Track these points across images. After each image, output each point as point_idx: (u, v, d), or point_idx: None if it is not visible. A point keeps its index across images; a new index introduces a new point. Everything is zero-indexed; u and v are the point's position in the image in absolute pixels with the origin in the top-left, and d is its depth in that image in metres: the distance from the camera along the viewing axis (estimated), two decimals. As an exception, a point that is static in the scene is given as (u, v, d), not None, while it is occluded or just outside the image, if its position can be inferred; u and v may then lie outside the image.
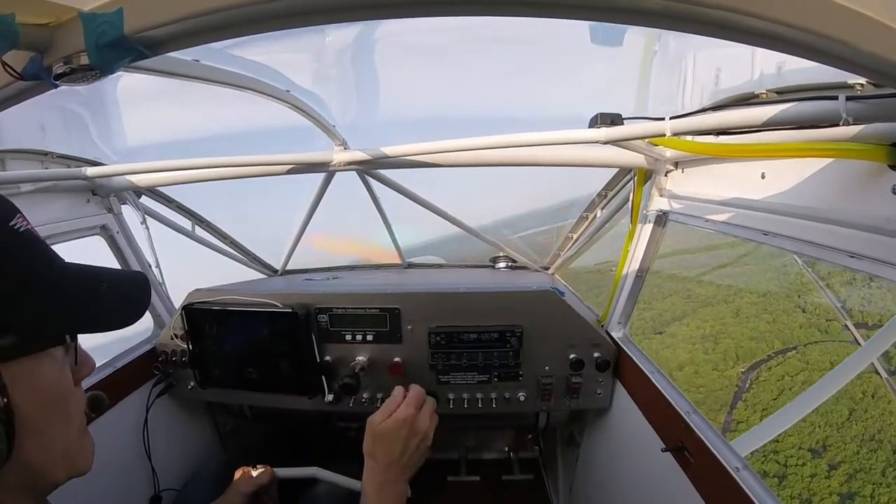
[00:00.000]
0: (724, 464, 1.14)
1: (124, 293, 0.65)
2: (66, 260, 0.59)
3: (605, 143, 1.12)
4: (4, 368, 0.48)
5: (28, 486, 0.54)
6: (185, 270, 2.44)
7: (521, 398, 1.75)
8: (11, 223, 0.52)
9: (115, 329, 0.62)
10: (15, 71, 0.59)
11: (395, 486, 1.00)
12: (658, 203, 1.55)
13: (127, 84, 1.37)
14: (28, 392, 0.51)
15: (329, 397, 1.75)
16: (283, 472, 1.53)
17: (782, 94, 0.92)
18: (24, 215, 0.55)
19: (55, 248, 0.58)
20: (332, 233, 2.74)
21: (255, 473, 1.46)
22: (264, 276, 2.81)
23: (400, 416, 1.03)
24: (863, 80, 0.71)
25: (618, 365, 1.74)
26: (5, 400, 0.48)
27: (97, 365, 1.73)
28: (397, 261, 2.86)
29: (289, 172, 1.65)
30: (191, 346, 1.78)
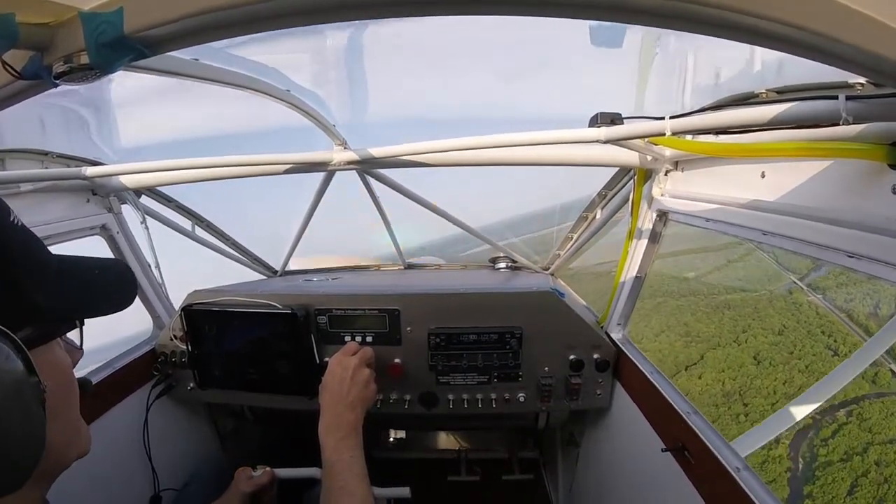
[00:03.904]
0: (725, 464, 1.14)
1: (114, 277, 0.70)
2: None
3: (605, 142, 1.12)
4: (32, 356, 0.51)
5: (44, 470, 0.55)
6: (185, 271, 2.43)
7: (521, 399, 1.75)
8: (11, 219, 0.54)
9: (116, 311, 0.66)
10: (15, 70, 0.59)
11: (344, 418, 1.22)
12: (658, 203, 1.55)
13: (127, 83, 1.37)
14: (49, 376, 0.54)
15: None
16: (284, 472, 1.53)
17: (782, 94, 0.92)
18: (15, 212, 0.57)
19: (55, 247, 0.60)
20: (333, 232, 2.73)
21: (255, 474, 1.46)
22: (264, 277, 2.81)
23: (334, 360, 1.35)
24: (863, 80, 0.71)
25: (617, 366, 1.74)
26: (44, 385, 0.51)
27: (97, 366, 1.74)
28: (396, 263, 2.86)
29: (288, 172, 1.65)
30: (190, 347, 1.78)
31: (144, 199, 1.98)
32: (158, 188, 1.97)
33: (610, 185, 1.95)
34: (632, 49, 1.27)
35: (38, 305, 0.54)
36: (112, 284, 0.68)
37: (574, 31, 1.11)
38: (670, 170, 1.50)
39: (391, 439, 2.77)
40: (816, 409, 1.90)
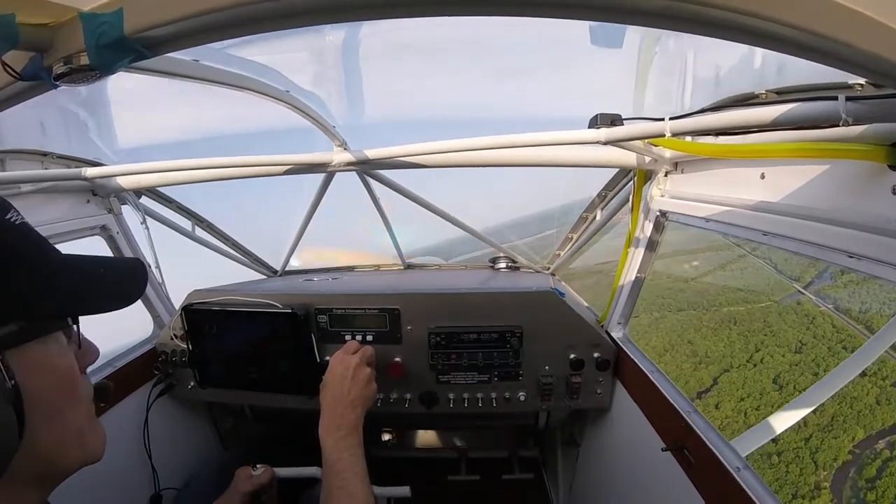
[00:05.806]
0: (725, 464, 1.14)
1: (123, 274, 0.69)
2: None
3: (605, 143, 1.12)
4: (12, 354, 0.50)
5: (40, 474, 0.55)
6: (185, 271, 2.43)
7: (522, 398, 1.75)
8: (7, 216, 0.55)
9: (115, 309, 0.65)
10: (15, 71, 0.59)
11: (345, 418, 1.21)
12: (658, 203, 1.55)
13: (127, 84, 1.37)
14: (39, 376, 0.53)
15: None
16: (284, 471, 1.53)
17: (782, 95, 0.92)
18: (19, 211, 0.58)
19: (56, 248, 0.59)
20: (333, 233, 2.74)
21: (255, 473, 1.46)
22: (264, 277, 2.81)
23: (335, 359, 1.34)
24: (862, 81, 0.71)
25: (618, 365, 1.74)
26: (13, 382, 0.50)
27: (97, 366, 1.74)
28: (396, 263, 2.86)
29: (288, 173, 1.65)
30: (191, 347, 1.78)
31: (144, 200, 1.98)
32: (158, 189, 1.97)
33: (610, 186, 1.95)
34: (631, 49, 1.27)
35: (27, 302, 0.53)
36: (116, 281, 0.67)
37: (574, 31, 1.11)
38: (670, 171, 1.50)
39: (391, 438, 2.77)
40: (816, 408, 1.89)
